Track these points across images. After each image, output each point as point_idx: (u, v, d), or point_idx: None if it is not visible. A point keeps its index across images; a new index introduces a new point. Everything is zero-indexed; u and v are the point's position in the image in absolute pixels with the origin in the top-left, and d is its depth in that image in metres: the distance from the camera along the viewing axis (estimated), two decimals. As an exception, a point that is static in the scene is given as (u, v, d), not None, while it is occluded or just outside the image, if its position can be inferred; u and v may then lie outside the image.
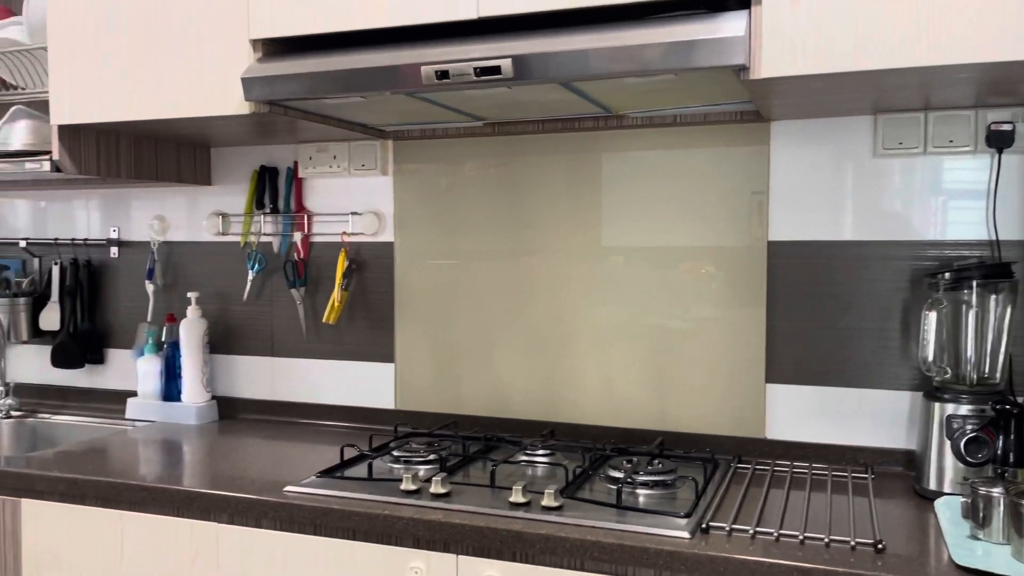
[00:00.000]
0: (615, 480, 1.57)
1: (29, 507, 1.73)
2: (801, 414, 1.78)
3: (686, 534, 1.32)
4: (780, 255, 1.79)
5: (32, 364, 2.49)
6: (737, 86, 1.54)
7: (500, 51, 1.44)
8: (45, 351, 2.46)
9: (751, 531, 1.34)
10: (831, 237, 1.76)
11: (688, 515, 1.39)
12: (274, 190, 2.19)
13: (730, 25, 1.33)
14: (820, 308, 1.77)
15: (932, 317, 1.55)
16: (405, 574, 1.46)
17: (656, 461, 1.66)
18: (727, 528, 1.35)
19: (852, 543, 1.29)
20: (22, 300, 2.37)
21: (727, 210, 1.83)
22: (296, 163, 2.17)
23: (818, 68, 1.35)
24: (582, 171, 1.93)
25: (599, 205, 1.92)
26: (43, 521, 1.72)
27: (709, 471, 1.64)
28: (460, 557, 1.42)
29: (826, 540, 1.30)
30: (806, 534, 1.32)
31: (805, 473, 1.68)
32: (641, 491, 1.54)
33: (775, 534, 1.32)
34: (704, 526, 1.36)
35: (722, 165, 1.83)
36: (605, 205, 1.92)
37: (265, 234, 2.21)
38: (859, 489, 1.58)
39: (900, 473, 1.69)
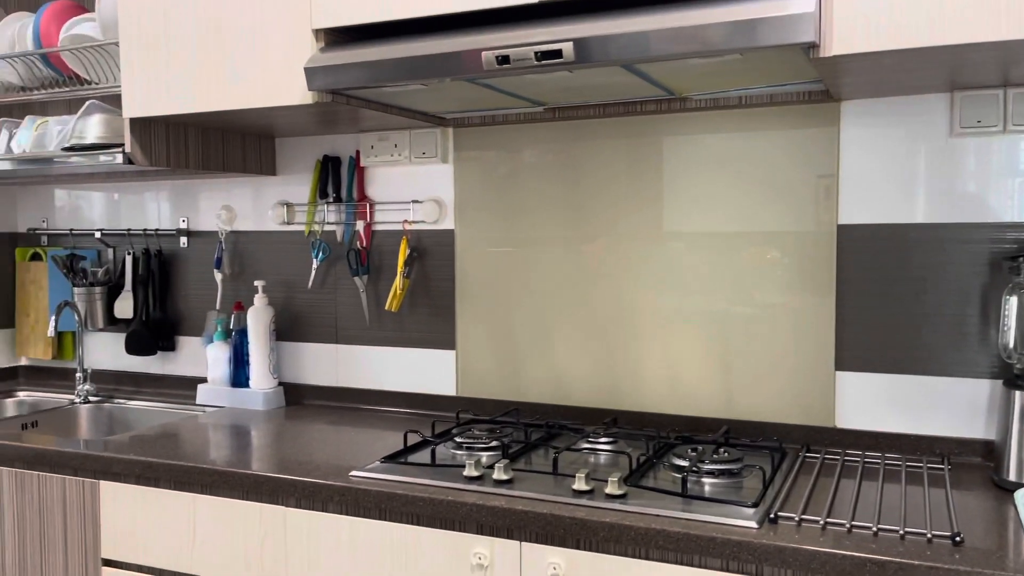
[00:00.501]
0: (680, 469, 1.55)
1: (107, 488, 1.79)
2: (873, 402, 1.73)
3: (754, 524, 1.30)
4: (851, 239, 1.74)
5: (108, 351, 2.57)
6: (806, 65, 1.50)
7: (561, 34, 1.42)
8: (120, 339, 2.54)
9: (822, 522, 1.30)
10: (905, 220, 1.70)
11: (756, 504, 1.37)
12: (337, 179, 2.22)
13: (798, 1, 1.28)
14: (893, 293, 1.71)
15: (1013, 302, 1.48)
16: (468, 559, 1.46)
17: (722, 450, 1.63)
18: (796, 518, 1.32)
19: (928, 535, 1.25)
20: (98, 289, 2.45)
21: (793, 195, 1.78)
22: (358, 152, 2.19)
23: (892, 44, 1.30)
24: (643, 156, 1.91)
25: (660, 190, 1.89)
26: (120, 502, 1.77)
27: (776, 460, 1.60)
28: (524, 544, 1.42)
29: (901, 532, 1.26)
30: (880, 526, 1.28)
31: (878, 463, 1.64)
32: (707, 480, 1.52)
33: (847, 525, 1.29)
34: (772, 516, 1.33)
35: (789, 148, 1.78)
36: (667, 190, 1.89)
37: (328, 223, 2.24)
38: (935, 480, 1.53)
39: (978, 464, 1.63)
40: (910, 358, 1.70)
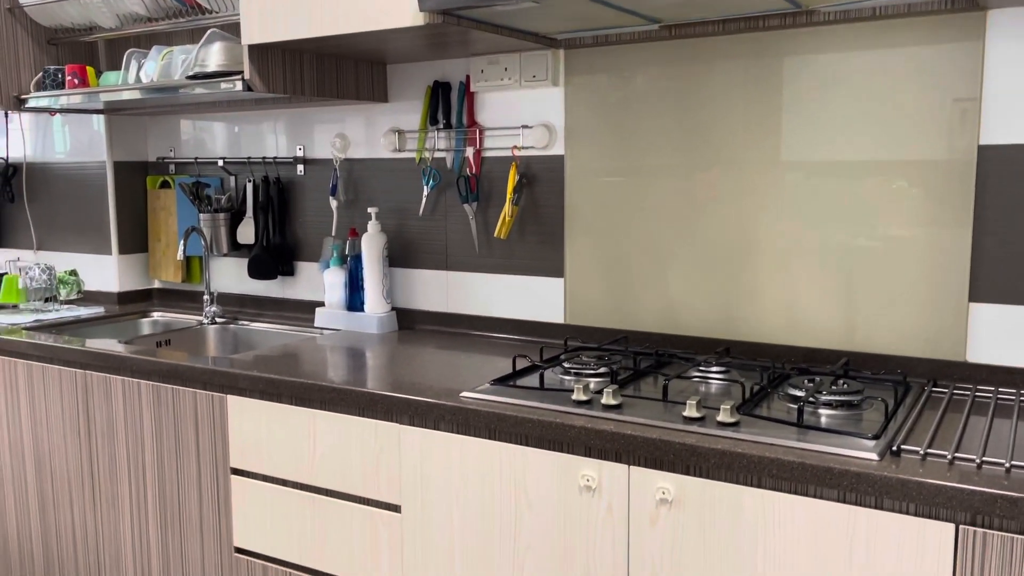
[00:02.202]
0: (796, 399, 1.51)
1: (234, 403, 1.89)
2: (1010, 336, 1.62)
3: (874, 456, 1.25)
4: (994, 162, 1.61)
5: (232, 275, 2.70)
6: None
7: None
8: (242, 263, 2.65)
9: (949, 456, 1.24)
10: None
11: (877, 436, 1.31)
12: (447, 105, 2.21)
13: None
14: (1038, 220, 1.58)
15: None
16: (576, 481, 1.48)
17: (841, 382, 1.57)
18: (921, 452, 1.26)
19: (1069, 474, 1.17)
20: (221, 215, 2.56)
21: (925, 119, 1.66)
22: (468, 77, 2.18)
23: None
24: (763, 77, 1.81)
25: (780, 115, 1.80)
26: (246, 415, 1.87)
27: (900, 393, 1.53)
28: (632, 468, 1.42)
29: (1038, 470, 1.19)
30: (1013, 462, 1.21)
31: (1012, 400, 1.54)
32: (824, 411, 1.47)
33: (977, 460, 1.22)
34: (895, 448, 1.27)
35: (923, 66, 1.65)
36: (786, 115, 1.79)
37: (439, 150, 2.25)
38: (1077, 419, 1.43)
39: None
40: (1055, 290, 1.58)
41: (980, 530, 1.15)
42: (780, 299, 1.84)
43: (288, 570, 1.86)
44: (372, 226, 2.27)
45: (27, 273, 2.63)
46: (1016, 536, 1.13)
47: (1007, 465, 1.21)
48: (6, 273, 2.70)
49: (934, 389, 1.62)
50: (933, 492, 1.16)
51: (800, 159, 1.79)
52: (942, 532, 1.17)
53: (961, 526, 1.16)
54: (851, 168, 1.74)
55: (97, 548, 2.20)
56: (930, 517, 1.19)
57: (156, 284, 2.87)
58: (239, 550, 1.94)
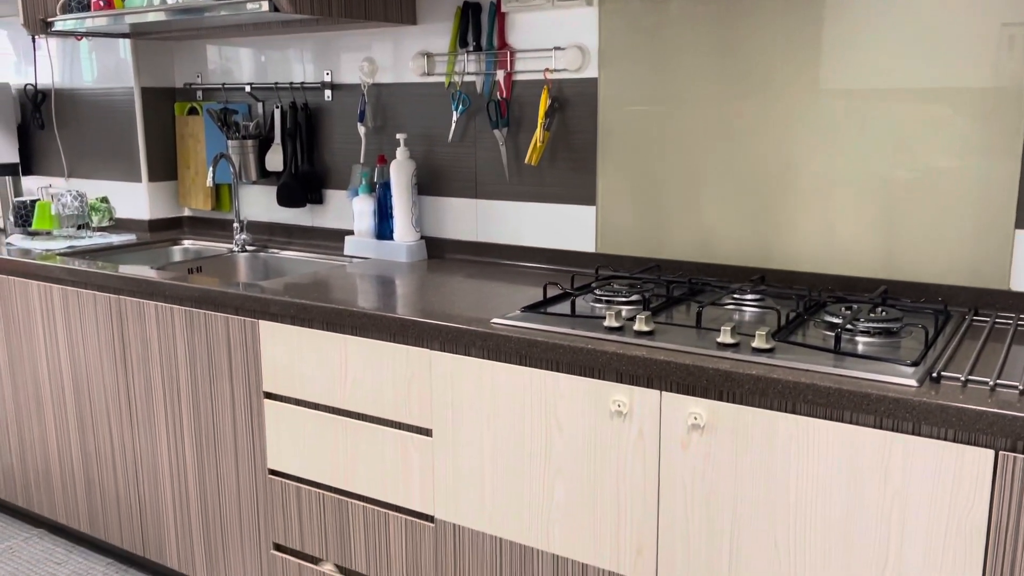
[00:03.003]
0: (833, 326, 1.48)
1: (266, 328, 1.90)
2: (1056, 265, 1.58)
3: (913, 382, 1.23)
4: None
5: (261, 203, 2.69)
6: None
7: None
8: (271, 191, 2.64)
9: (991, 383, 1.22)
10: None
11: (916, 363, 1.29)
12: (477, 27, 2.15)
13: None
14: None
15: None
16: (608, 407, 1.47)
17: (879, 309, 1.54)
18: (962, 378, 1.24)
19: (1116, 402, 1.14)
20: (250, 142, 2.54)
21: (971, 44, 1.58)
22: (499, -2, 2.11)
23: None
24: (803, 1, 1.73)
25: (820, 41, 1.73)
26: (278, 340, 1.89)
27: (940, 321, 1.50)
28: (664, 393, 1.41)
29: (1083, 397, 1.16)
30: (1058, 390, 1.19)
31: (1056, 330, 1.51)
32: (861, 338, 1.45)
33: (1020, 387, 1.20)
34: (935, 375, 1.25)
35: (982, -24, 1.57)
36: (826, 41, 1.72)
37: (468, 73, 2.20)
38: (1124, 349, 1.39)
39: None
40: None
41: (1021, 456, 1.13)
42: (816, 226, 1.80)
43: (321, 491, 1.89)
44: (400, 152, 2.24)
45: (59, 200, 2.64)
46: (1058, 463, 1.11)
47: (1051, 392, 1.18)
48: (39, 199, 2.72)
49: (975, 318, 1.59)
50: (973, 418, 1.14)
51: (840, 87, 1.72)
52: (981, 458, 1.16)
53: (1001, 452, 1.14)
54: (893, 95, 1.67)
55: (136, 469, 2.25)
56: (969, 443, 1.17)
57: (186, 212, 2.88)
58: (272, 472, 1.97)
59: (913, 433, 1.21)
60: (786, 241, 1.84)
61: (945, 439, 1.19)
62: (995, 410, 1.13)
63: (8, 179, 2.78)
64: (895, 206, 1.71)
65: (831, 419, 1.27)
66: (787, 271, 1.85)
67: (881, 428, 1.23)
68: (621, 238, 2.06)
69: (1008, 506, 1.15)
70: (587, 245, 2.11)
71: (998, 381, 1.22)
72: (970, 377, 1.24)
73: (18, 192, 3.02)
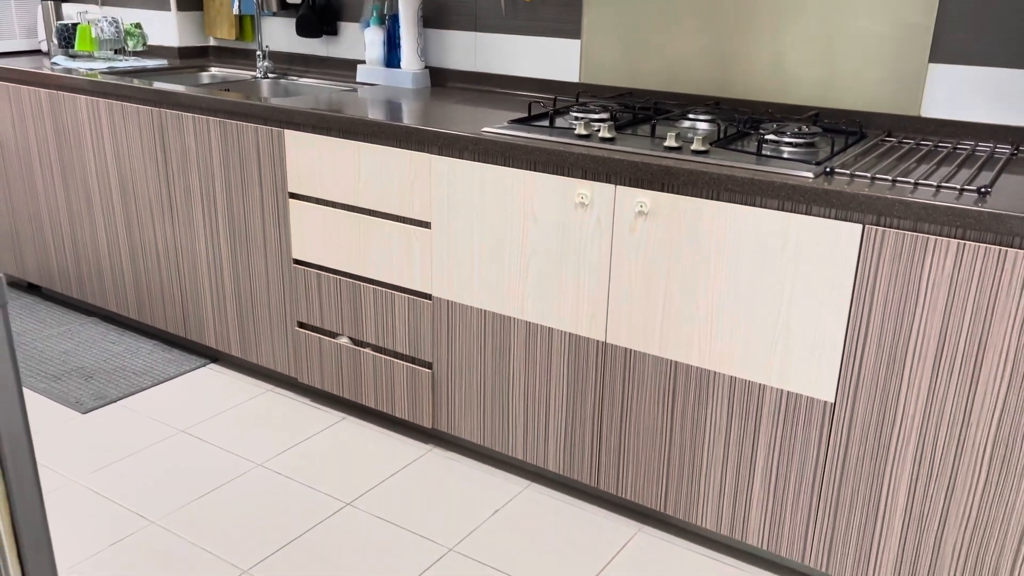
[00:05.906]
0: (760, 137, 1.79)
1: (290, 136, 2.21)
2: (963, 95, 1.86)
3: (810, 174, 1.55)
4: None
5: (281, 33, 2.94)
6: None
7: None
8: (290, 23, 2.89)
9: (871, 176, 1.54)
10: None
11: (819, 163, 1.60)
12: None
13: None
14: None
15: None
16: (573, 199, 1.80)
17: (804, 127, 1.84)
18: (850, 173, 1.56)
19: (959, 188, 1.46)
20: (271, -26, 2.76)
21: None
22: None
23: None
24: None
25: None
26: (300, 146, 2.20)
27: (852, 139, 1.80)
28: (618, 187, 1.74)
29: (937, 184, 1.48)
30: (920, 180, 1.50)
31: (948, 148, 1.80)
32: (785, 148, 1.75)
33: (891, 179, 1.52)
34: (828, 170, 1.57)
35: None
36: None
37: (471, -87, 2.40)
38: (992, 163, 1.70)
39: (1048, 154, 1.77)
40: (1014, 52, 1.79)
41: (880, 228, 1.47)
42: (768, 57, 2.07)
43: (337, 277, 2.26)
44: (409, -14, 2.48)
45: (97, 24, 2.89)
46: (906, 232, 1.44)
47: (913, 182, 1.50)
48: (79, 23, 2.96)
49: (885, 138, 1.89)
50: (847, 199, 1.47)
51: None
52: (852, 230, 1.49)
53: (867, 225, 1.48)
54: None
55: (177, 262, 2.62)
56: (846, 220, 1.50)
57: (212, 41, 3.13)
58: (296, 261, 2.34)
59: (805, 214, 1.54)
60: (741, 72, 2.12)
61: (828, 217, 1.52)
62: (864, 192, 1.45)
63: (51, 4, 3.02)
64: (836, 41, 1.97)
65: (744, 203, 1.60)
66: (741, 100, 2.13)
67: (783, 211, 1.56)
68: (601, 69, 2.33)
69: (869, 266, 1.49)
70: (572, 75, 2.39)
71: (877, 176, 1.54)
72: (856, 173, 1.56)
73: (59, 17, 3.26)
